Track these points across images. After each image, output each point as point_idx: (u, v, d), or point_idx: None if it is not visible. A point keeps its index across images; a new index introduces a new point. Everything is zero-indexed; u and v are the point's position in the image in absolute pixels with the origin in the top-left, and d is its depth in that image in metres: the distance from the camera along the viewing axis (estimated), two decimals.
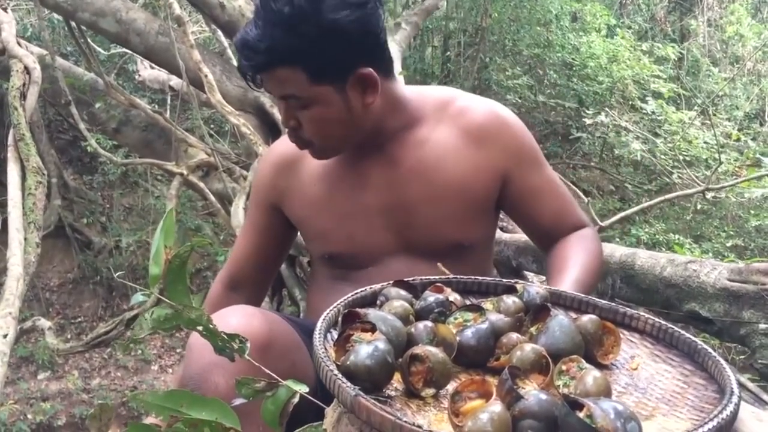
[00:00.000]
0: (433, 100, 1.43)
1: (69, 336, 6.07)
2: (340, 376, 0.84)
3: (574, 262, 1.35)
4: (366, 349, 0.86)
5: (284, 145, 1.50)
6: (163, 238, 0.91)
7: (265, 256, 1.58)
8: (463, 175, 1.38)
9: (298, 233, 1.58)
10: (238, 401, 0.90)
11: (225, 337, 0.93)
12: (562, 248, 1.42)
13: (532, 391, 0.79)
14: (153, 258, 0.90)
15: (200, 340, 1.08)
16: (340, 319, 1.00)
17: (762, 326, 1.55)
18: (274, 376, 0.92)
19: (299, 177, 1.46)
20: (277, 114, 3.54)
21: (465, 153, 1.39)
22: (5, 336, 2.17)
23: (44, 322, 3.39)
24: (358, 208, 1.40)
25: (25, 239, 2.62)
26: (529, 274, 2.57)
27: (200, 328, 0.92)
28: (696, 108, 6.75)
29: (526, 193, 1.42)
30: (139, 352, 6.13)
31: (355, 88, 1.30)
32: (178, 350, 6.29)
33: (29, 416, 5.46)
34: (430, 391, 0.88)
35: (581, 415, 0.73)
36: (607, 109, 6.67)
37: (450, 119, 1.40)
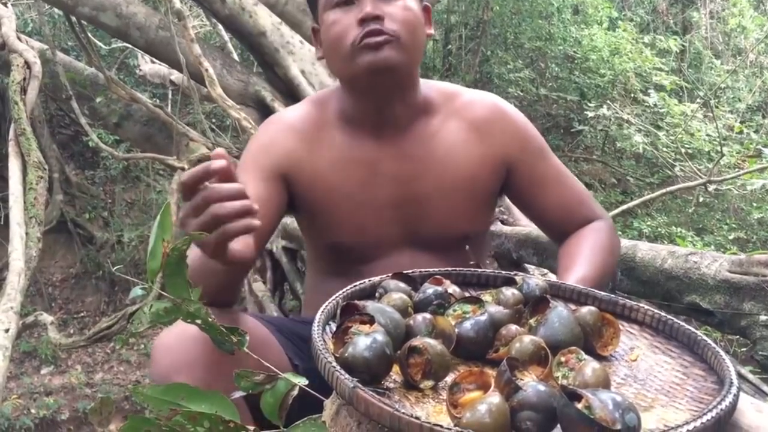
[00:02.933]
0: (440, 92, 1.45)
1: (71, 331, 6.09)
2: (338, 368, 0.84)
3: (581, 260, 1.33)
4: (364, 341, 0.86)
5: (299, 113, 1.45)
6: (160, 231, 0.91)
7: (265, 226, 1.36)
8: (472, 169, 1.39)
9: (294, 220, 1.53)
10: (237, 394, 0.90)
11: (224, 330, 0.93)
12: (570, 244, 1.41)
13: (530, 383, 0.79)
14: (151, 252, 0.90)
15: (165, 340, 1.09)
16: (338, 311, 1.00)
17: (762, 318, 1.55)
18: (274, 369, 0.92)
19: (315, 154, 1.39)
20: (277, 107, 3.54)
21: (472, 146, 1.40)
22: (7, 331, 2.17)
23: (46, 317, 3.40)
24: (369, 200, 1.39)
25: (27, 234, 2.63)
26: (530, 267, 2.56)
27: (199, 321, 0.92)
28: (698, 100, 6.73)
29: (532, 181, 1.42)
30: (142, 346, 6.15)
31: (424, 11, 1.38)
32: None
33: (32, 411, 5.48)
34: (429, 382, 0.88)
35: (579, 406, 0.73)
36: (609, 101, 6.65)
37: (457, 112, 1.42)
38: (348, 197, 1.39)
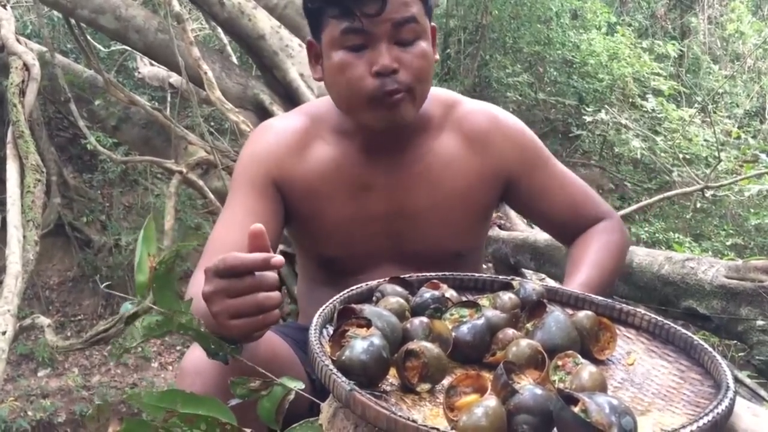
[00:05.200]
0: (441, 103, 1.41)
1: (69, 334, 6.07)
2: (335, 371, 0.84)
3: (584, 264, 1.32)
4: (361, 344, 0.87)
5: (290, 123, 1.41)
6: (145, 246, 0.90)
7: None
8: (467, 185, 1.37)
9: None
10: (234, 401, 0.90)
11: (216, 340, 0.93)
12: (576, 247, 1.40)
13: (527, 386, 0.79)
14: (137, 267, 0.90)
15: (195, 362, 1.05)
16: (335, 314, 1.00)
17: (759, 323, 1.55)
18: (269, 375, 0.92)
19: (306, 166, 1.37)
20: (276, 110, 3.54)
21: (468, 161, 1.37)
22: (4, 333, 2.17)
23: (43, 320, 3.40)
24: (359, 215, 1.37)
25: (24, 237, 2.63)
26: (527, 272, 2.57)
27: (191, 332, 0.91)
28: (696, 105, 6.75)
29: (534, 190, 1.41)
30: (139, 349, 6.13)
31: (432, 37, 1.31)
32: (178, 347, 6.29)
33: (29, 413, 5.46)
34: (426, 386, 0.88)
35: (576, 409, 0.74)
36: (607, 106, 6.66)
37: (453, 124, 1.39)
38: (338, 211, 1.37)
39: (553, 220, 1.44)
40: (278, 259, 0.92)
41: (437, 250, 1.39)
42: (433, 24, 1.32)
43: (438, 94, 1.44)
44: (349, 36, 1.23)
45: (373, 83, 1.23)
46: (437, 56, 1.35)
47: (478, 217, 1.42)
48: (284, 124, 1.42)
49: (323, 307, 1.03)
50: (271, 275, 0.94)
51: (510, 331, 0.99)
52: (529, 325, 1.03)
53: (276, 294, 0.94)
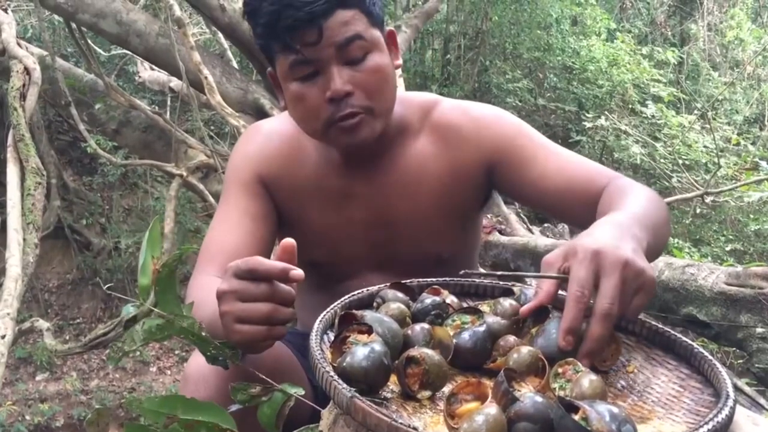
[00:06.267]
0: (420, 107, 1.39)
1: (67, 337, 6.07)
2: (336, 377, 0.84)
3: (623, 203, 1.11)
4: (362, 350, 0.86)
5: (279, 126, 1.42)
6: (150, 248, 0.90)
7: (263, 245, 1.35)
8: (441, 185, 1.35)
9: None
10: (234, 407, 0.90)
11: (217, 345, 0.93)
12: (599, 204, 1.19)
13: (527, 394, 0.79)
14: (141, 269, 0.90)
15: (199, 369, 1.04)
16: (336, 320, 1.00)
17: (759, 330, 1.55)
18: (269, 380, 0.92)
19: (292, 170, 1.38)
20: (276, 115, 3.54)
21: (442, 161, 1.35)
22: (3, 337, 2.17)
23: (43, 323, 3.40)
24: (341, 221, 1.37)
25: (24, 240, 2.63)
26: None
27: (192, 336, 0.91)
28: (696, 112, 6.76)
29: (521, 164, 1.32)
30: (138, 353, 6.13)
31: (389, 44, 1.28)
32: (176, 351, 6.29)
33: (27, 417, 5.46)
34: (426, 393, 0.88)
35: (576, 417, 0.73)
36: (606, 112, 6.69)
37: (430, 126, 1.37)
38: (321, 217, 1.37)
39: (551, 194, 1.29)
40: (297, 272, 0.92)
41: (418, 255, 1.38)
42: (389, 28, 1.30)
43: (416, 98, 1.42)
44: (298, 68, 1.22)
45: (328, 110, 1.22)
46: (399, 60, 1.32)
47: (458, 217, 1.39)
48: (273, 126, 1.44)
49: (324, 312, 1.03)
50: (287, 289, 0.93)
51: (511, 338, 0.99)
52: (533, 331, 1.03)
53: (287, 310, 0.93)
